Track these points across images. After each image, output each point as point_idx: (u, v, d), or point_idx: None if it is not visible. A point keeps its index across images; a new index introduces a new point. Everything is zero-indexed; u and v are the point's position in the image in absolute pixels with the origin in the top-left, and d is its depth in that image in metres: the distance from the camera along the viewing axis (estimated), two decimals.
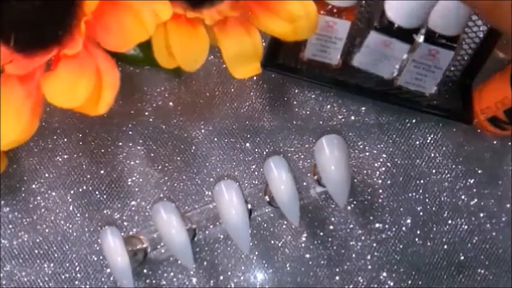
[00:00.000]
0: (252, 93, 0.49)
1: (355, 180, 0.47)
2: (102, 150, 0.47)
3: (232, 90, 0.49)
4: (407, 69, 0.46)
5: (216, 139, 0.48)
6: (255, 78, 0.50)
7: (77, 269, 0.44)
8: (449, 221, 0.46)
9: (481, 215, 0.46)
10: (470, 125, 0.48)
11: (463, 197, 0.47)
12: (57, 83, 0.31)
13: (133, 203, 0.46)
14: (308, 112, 0.49)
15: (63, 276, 0.44)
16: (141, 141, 0.47)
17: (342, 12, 0.42)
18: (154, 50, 0.34)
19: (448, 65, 0.44)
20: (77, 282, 0.43)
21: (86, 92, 0.30)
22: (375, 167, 0.47)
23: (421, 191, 0.47)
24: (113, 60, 0.31)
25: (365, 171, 0.47)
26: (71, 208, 0.45)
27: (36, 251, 0.44)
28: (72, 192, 0.46)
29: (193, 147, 0.47)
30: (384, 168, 0.47)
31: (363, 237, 0.45)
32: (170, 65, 0.34)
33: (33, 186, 0.46)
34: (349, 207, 0.46)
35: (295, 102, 0.49)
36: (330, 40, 0.45)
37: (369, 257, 0.45)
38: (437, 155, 0.48)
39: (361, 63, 0.47)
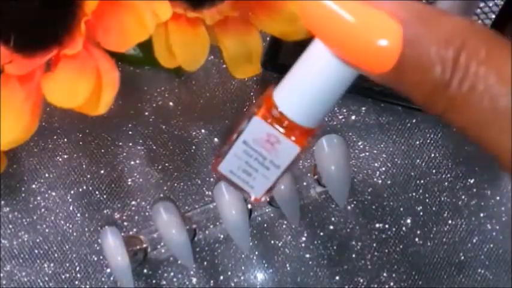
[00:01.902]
0: (252, 93, 0.49)
1: (355, 180, 0.47)
2: (102, 150, 0.47)
3: (232, 90, 0.49)
4: None
5: (216, 139, 0.48)
6: (255, 78, 0.50)
7: (77, 269, 0.44)
8: (449, 221, 0.46)
9: (481, 215, 0.46)
10: None
11: (463, 197, 0.47)
12: (57, 83, 0.31)
13: (133, 203, 0.46)
14: None
15: (63, 276, 0.43)
16: (141, 141, 0.47)
17: (294, 131, 0.23)
18: (155, 49, 0.34)
19: None
20: (77, 282, 0.43)
21: (85, 92, 0.30)
22: (375, 167, 0.47)
23: (421, 191, 0.47)
24: (113, 60, 0.31)
25: (365, 171, 0.47)
26: (71, 208, 0.45)
27: (36, 251, 0.44)
28: (72, 192, 0.46)
29: (194, 147, 0.47)
30: (384, 168, 0.47)
31: (362, 237, 0.45)
32: (171, 65, 0.34)
33: (33, 186, 0.46)
34: (349, 207, 0.46)
35: None
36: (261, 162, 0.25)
37: (369, 257, 0.45)
38: (437, 155, 0.48)
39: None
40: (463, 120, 0.20)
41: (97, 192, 0.46)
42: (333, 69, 0.21)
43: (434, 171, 0.47)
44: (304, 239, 0.45)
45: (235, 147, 0.24)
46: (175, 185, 0.46)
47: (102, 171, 0.46)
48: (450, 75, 0.18)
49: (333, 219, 0.46)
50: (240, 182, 0.25)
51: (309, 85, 0.22)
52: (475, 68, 0.18)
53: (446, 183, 0.47)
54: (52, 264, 0.44)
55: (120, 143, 0.47)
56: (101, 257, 0.44)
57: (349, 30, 0.19)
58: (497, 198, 0.47)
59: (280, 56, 0.49)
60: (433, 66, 0.18)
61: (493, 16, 0.45)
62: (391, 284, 0.44)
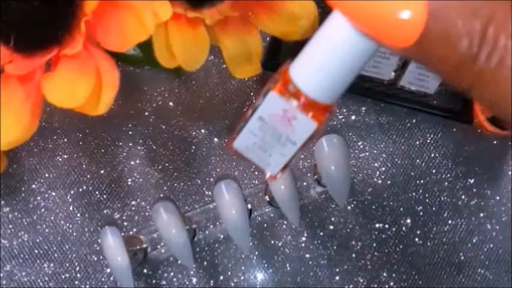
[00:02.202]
0: (252, 93, 0.49)
1: (355, 180, 0.47)
2: (102, 150, 0.47)
3: (232, 90, 0.49)
4: (409, 70, 0.45)
5: (216, 139, 0.48)
6: (255, 78, 0.50)
7: (77, 269, 0.44)
8: (449, 221, 0.46)
9: (481, 215, 0.46)
10: (470, 125, 0.48)
11: (463, 197, 0.47)
12: (57, 83, 0.31)
13: (133, 203, 0.46)
14: None
15: (63, 276, 0.43)
16: (141, 141, 0.47)
17: (311, 107, 0.23)
18: (155, 49, 0.34)
19: None
20: (77, 282, 0.43)
21: (86, 92, 0.30)
22: (375, 167, 0.47)
23: (421, 191, 0.47)
24: (113, 60, 0.31)
25: (365, 171, 0.47)
26: (71, 208, 0.45)
27: (36, 251, 0.44)
28: (72, 192, 0.46)
29: (194, 147, 0.47)
30: (384, 168, 0.47)
31: (362, 237, 0.45)
32: (171, 65, 0.34)
33: (33, 186, 0.46)
34: (349, 207, 0.46)
35: None
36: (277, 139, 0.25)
37: (368, 257, 0.45)
38: (437, 155, 0.48)
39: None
40: (490, 95, 0.18)
41: (97, 192, 0.46)
42: (352, 43, 0.20)
43: (434, 171, 0.47)
44: (304, 239, 0.45)
45: (251, 124, 0.23)
46: (175, 185, 0.46)
47: (102, 171, 0.46)
48: (478, 48, 0.17)
49: (333, 219, 0.46)
50: (255, 159, 0.24)
51: (326, 60, 0.21)
52: (504, 41, 0.17)
53: (446, 183, 0.47)
54: (52, 264, 0.44)
55: (120, 143, 0.47)
56: (101, 257, 0.44)
57: (370, 2, 0.18)
58: (497, 198, 0.47)
59: (280, 56, 0.49)
60: (460, 40, 0.17)
61: None
62: (391, 284, 0.44)
